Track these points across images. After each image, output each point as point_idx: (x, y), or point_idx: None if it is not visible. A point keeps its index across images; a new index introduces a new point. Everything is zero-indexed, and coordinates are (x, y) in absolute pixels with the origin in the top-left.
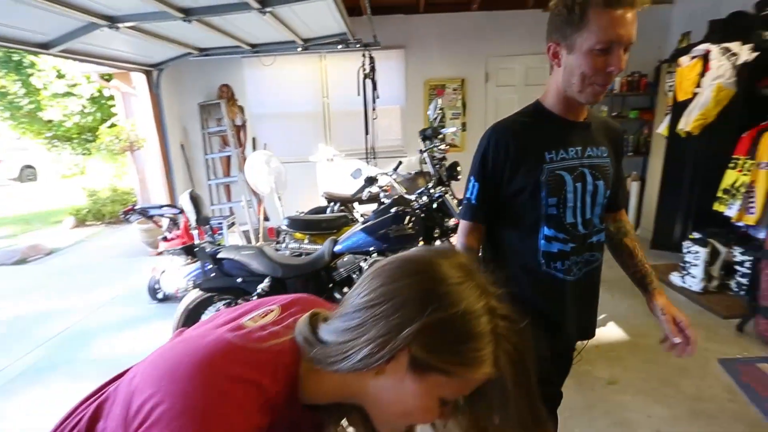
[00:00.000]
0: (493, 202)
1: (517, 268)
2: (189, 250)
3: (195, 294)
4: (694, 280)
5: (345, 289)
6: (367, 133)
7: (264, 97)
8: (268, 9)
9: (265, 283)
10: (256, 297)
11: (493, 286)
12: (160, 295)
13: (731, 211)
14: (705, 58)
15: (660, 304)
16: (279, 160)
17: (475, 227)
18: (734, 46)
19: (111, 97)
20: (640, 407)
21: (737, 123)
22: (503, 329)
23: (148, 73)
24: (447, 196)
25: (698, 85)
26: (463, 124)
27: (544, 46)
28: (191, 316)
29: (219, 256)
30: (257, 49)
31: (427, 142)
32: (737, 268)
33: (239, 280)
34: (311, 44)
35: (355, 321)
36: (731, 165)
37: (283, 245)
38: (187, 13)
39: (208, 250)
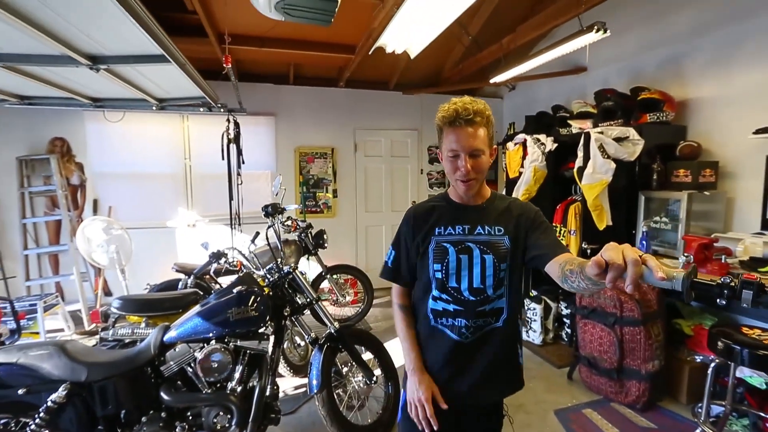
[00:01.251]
0: (408, 266)
1: (420, 319)
2: None
3: None
4: (535, 334)
5: (179, 386)
6: (231, 198)
7: (111, 154)
8: (101, 66)
9: (59, 392)
10: (43, 412)
11: None
12: None
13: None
14: (524, 144)
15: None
16: (122, 225)
17: (402, 288)
18: (542, 137)
19: None
20: None
21: (551, 197)
22: None
23: None
24: (297, 272)
25: (522, 166)
26: (335, 191)
27: (406, 123)
28: None
29: None
30: (100, 103)
31: (270, 219)
32: (565, 320)
33: (21, 391)
34: (168, 104)
35: None
36: None
37: (110, 332)
38: None
39: None
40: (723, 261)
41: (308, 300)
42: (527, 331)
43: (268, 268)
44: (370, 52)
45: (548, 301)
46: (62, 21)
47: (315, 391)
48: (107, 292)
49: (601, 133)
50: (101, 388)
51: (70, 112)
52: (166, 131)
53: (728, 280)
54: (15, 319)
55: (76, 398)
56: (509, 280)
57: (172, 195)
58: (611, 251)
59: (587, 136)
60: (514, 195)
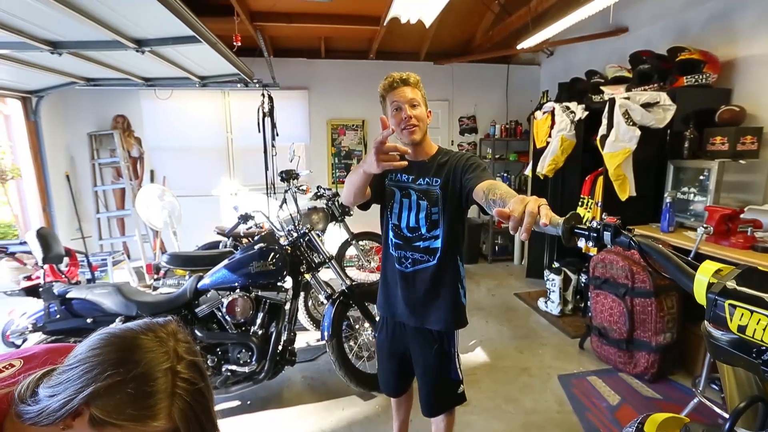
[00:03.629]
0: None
1: (383, 244)
2: (32, 291)
3: (37, 338)
4: (553, 305)
5: (211, 326)
6: (267, 169)
7: (163, 129)
8: (146, 49)
9: (116, 323)
10: None
11: (187, 353)
12: (18, 341)
13: (581, 243)
14: (553, 113)
15: None
16: (173, 194)
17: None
18: (572, 105)
19: None
20: (482, 425)
21: (581, 167)
22: (181, 389)
23: (24, 99)
24: (312, 233)
25: (550, 136)
26: None
27: (437, 93)
28: None
29: (69, 295)
30: (152, 82)
31: (286, 184)
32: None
33: (89, 320)
34: (209, 81)
35: (54, 381)
36: (579, 203)
37: (161, 282)
38: (56, 46)
39: (55, 289)
40: (749, 233)
41: (323, 259)
42: (546, 302)
43: (287, 229)
44: (384, 23)
45: (568, 272)
46: (110, 10)
47: (326, 338)
48: (164, 251)
49: (628, 98)
50: None
51: (128, 92)
52: (210, 107)
53: (595, 225)
54: (90, 270)
55: None
56: (443, 223)
57: (216, 166)
58: (515, 203)
59: (612, 102)
60: (540, 165)
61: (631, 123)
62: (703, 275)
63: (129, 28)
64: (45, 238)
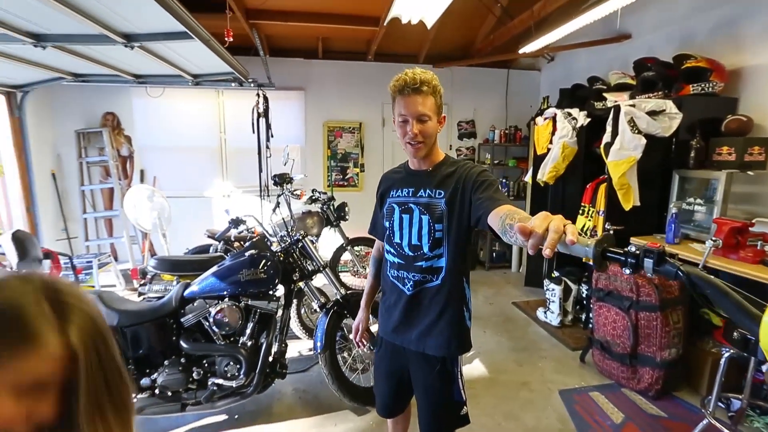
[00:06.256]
0: (380, 223)
1: (383, 268)
2: None
3: None
4: (553, 315)
5: (198, 337)
6: (260, 170)
7: (154, 128)
8: (135, 44)
9: None
10: None
11: (58, 281)
12: None
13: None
14: (554, 119)
15: None
16: (163, 194)
17: (379, 241)
18: (574, 111)
19: None
20: None
21: (582, 175)
22: (60, 311)
23: (8, 94)
24: (306, 239)
25: (551, 142)
26: (362, 165)
27: None
28: None
29: None
30: (143, 80)
31: (279, 188)
32: (586, 304)
33: None
34: (202, 80)
35: None
36: (580, 211)
37: (147, 288)
38: (38, 38)
39: None
40: (759, 247)
41: (317, 267)
42: (545, 312)
43: (280, 235)
44: (385, 23)
45: (569, 282)
46: (96, 2)
47: (318, 350)
48: (153, 254)
49: (633, 106)
50: (130, 332)
51: (118, 89)
52: (203, 106)
53: (633, 249)
54: (74, 273)
55: None
56: (448, 241)
57: (209, 167)
58: (537, 219)
59: (617, 109)
60: (540, 172)
61: (636, 131)
62: None
63: (117, 21)
64: (20, 240)
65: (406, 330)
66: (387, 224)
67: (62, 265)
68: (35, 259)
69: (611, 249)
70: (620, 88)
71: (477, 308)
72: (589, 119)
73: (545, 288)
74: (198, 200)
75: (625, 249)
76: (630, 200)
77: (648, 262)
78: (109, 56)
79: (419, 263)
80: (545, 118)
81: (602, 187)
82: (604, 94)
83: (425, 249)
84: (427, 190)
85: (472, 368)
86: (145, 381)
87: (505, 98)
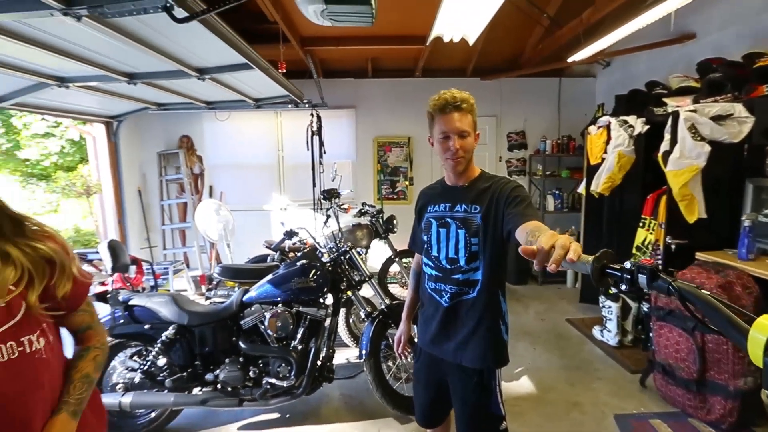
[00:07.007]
0: (418, 238)
1: (422, 280)
2: (102, 297)
3: None
4: (610, 334)
5: (254, 339)
6: (314, 185)
7: (221, 148)
8: (206, 76)
9: (170, 331)
10: (160, 344)
11: None
12: None
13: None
14: (608, 128)
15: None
16: (228, 209)
17: (418, 255)
18: (630, 119)
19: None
20: None
21: (642, 185)
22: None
23: (107, 124)
24: (353, 251)
25: (605, 151)
26: (410, 179)
27: (484, 109)
28: None
29: (131, 302)
30: (213, 105)
31: (326, 202)
32: (648, 323)
33: (147, 326)
34: (263, 103)
35: None
36: (641, 224)
37: (212, 293)
38: (131, 77)
39: (121, 296)
40: None
41: (363, 277)
42: (601, 331)
43: (329, 246)
44: (427, 43)
45: (627, 300)
46: (175, 44)
47: (363, 357)
48: (219, 262)
49: (695, 111)
50: (198, 331)
51: (192, 114)
52: (264, 127)
53: (628, 266)
54: (153, 278)
55: (181, 337)
56: (484, 255)
57: (268, 182)
58: (544, 237)
59: (675, 115)
60: (594, 183)
61: (698, 138)
62: (760, 332)
63: (192, 58)
64: (114, 249)
65: (443, 341)
66: (425, 238)
67: (144, 271)
68: (125, 265)
69: (609, 265)
70: (682, 92)
71: (527, 324)
72: (647, 126)
73: (601, 305)
74: (258, 213)
75: (621, 265)
76: (694, 212)
77: (642, 278)
78: (185, 87)
79: (456, 276)
80: (598, 127)
81: (663, 199)
82: (665, 99)
83: (462, 262)
84: (464, 205)
85: (519, 385)
86: (209, 376)
87: (557, 107)
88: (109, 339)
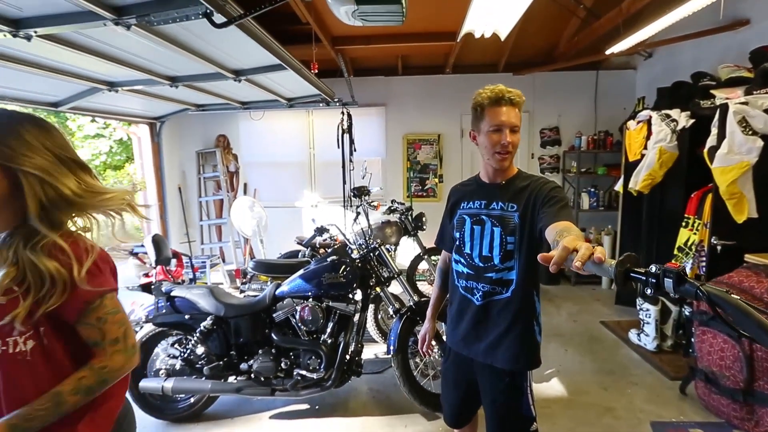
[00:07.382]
0: (447, 235)
1: (450, 277)
2: (147, 287)
3: (148, 328)
4: (648, 339)
5: (286, 331)
6: (344, 182)
7: (255, 146)
8: (242, 78)
9: (207, 321)
10: (198, 334)
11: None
12: (135, 329)
13: (686, 269)
14: (649, 122)
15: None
16: (261, 205)
17: (445, 253)
18: (674, 112)
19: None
20: None
21: (685, 183)
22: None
23: (151, 125)
24: (382, 248)
25: (645, 147)
26: (440, 176)
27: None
28: (143, 349)
29: (173, 293)
30: (248, 105)
31: (356, 200)
32: (689, 327)
33: (187, 317)
34: (295, 102)
35: None
36: (683, 224)
37: (246, 286)
38: (173, 80)
39: (163, 288)
40: None
41: (391, 274)
42: (638, 335)
43: (359, 243)
44: (458, 39)
45: (667, 303)
46: (214, 48)
47: (391, 353)
48: (252, 257)
49: (746, 103)
50: (233, 323)
51: (228, 114)
52: (296, 126)
53: (654, 269)
54: (192, 271)
55: (218, 327)
56: (519, 254)
57: (299, 180)
58: (569, 238)
59: (723, 108)
60: (633, 180)
61: (750, 132)
62: None
63: (229, 61)
64: (157, 243)
65: (474, 341)
66: (457, 235)
67: (184, 264)
68: (167, 258)
69: (633, 269)
70: (733, 83)
71: (559, 325)
72: (692, 120)
73: (639, 308)
74: (290, 210)
75: (646, 269)
76: (744, 211)
77: (668, 282)
78: (222, 89)
79: (489, 274)
80: (638, 122)
81: (709, 197)
82: (712, 91)
83: (496, 260)
84: (500, 203)
85: (549, 386)
86: (243, 365)
87: (594, 101)
88: (152, 327)
